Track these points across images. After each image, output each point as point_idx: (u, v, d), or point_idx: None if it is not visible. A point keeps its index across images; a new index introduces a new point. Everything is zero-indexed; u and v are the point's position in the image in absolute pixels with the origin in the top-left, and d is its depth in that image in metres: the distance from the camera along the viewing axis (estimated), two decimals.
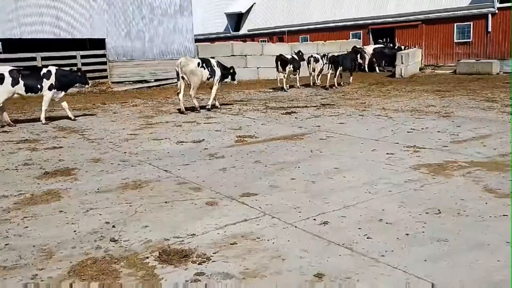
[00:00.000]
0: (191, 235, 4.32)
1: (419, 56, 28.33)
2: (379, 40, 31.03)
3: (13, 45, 20.94)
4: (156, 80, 23.59)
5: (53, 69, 11.95)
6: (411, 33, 29.95)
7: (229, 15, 42.41)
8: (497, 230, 4.21)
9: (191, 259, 3.81)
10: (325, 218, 4.64)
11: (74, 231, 4.52)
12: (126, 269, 3.68)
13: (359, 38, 32.20)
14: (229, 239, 4.19)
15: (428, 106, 12.71)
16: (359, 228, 4.35)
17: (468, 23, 27.31)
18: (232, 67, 14.53)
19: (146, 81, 23.51)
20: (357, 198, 5.24)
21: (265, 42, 32.75)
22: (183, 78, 12.96)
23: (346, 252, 3.86)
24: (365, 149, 7.78)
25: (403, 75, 24.30)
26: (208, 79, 13.30)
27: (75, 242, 4.25)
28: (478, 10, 26.75)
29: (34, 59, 20.40)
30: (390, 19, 30.88)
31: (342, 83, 20.38)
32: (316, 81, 21.39)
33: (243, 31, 41.44)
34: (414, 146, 7.83)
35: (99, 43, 22.77)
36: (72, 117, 12.35)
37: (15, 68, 11.66)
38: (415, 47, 29.14)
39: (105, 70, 22.57)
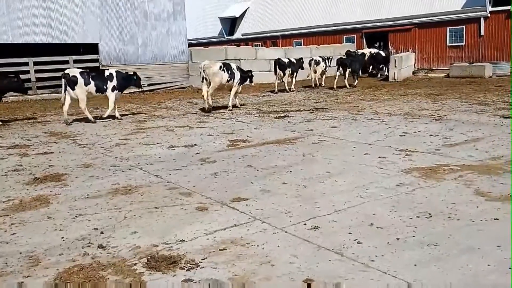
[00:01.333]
0: (180, 241, 4.27)
1: (412, 60, 28.42)
2: (375, 44, 31.11)
3: (4, 50, 20.83)
4: (149, 85, 23.52)
5: (114, 72, 13.09)
6: (404, 37, 30.05)
7: (223, 20, 42.44)
8: (488, 234, 4.19)
9: (179, 265, 3.77)
10: (316, 222, 4.61)
11: (62, 237, 4.46)
12: (113, 275, 3.63)
13: (353, 42, 32.31)
14: (219, 245, 4.15)
15: (420, 110, 12.73)
16: (350, 233, 4.33)
17: (461, 26, 27.43)
18: (249, 71, 15.66)
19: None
20: (348, 202, 5.22)
21: (259, 46, 32.76)
22: (206, 79, 13.97)
23: (336, 257, 3.83)
24: (357, 153, 7.76)
25: (396, 78, 24.36)
26: (228, 81, 14.40)
27: (62, 248, 4.19)
28: (471, 13, 26.88)
29: (26, 64, 20.32)
30: (384, 23, 30.98)
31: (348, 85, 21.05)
32: (322, 83, 22.76)
33: (237, 35, 41.48)
34: (406, 149, 7.82)
35: (92, 48, 22.70)
36: (92, 119, 12.81)
37: (84, 70, 12.80)
38: (408, 51, 29.25)
39: None
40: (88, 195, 5.85)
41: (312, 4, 35.97)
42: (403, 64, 25.41)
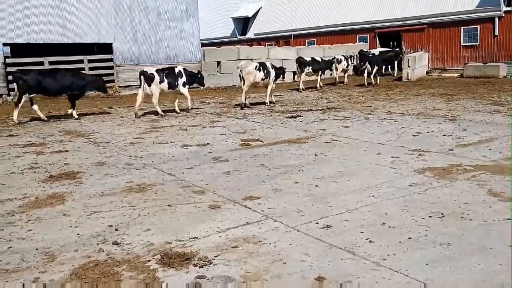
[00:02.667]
0: (193, 238, 4.32)
1: (425, 60, 28.22)
2: (390, 44, 30.97)
3: (21, 49, 21.13)
4: None
5: (182, 70, 14.11)
6: (418, 36, 29.85)
7: (236, 20, 42.52)
8: (500, 234, 4.18)
9: (192, 262, 3.82)
10: (328, 221, 4.63)
11: (77, 234, 4.54)
12: (128, 272, 3.69)
13: (366, 42, 32.17)
14: (231, 243, 4.19)
15: (434, 110, 12.66)
16: (362, 232, 4.34)
17: (475, 26, 27.17)
18: (281, 67, 16.52)
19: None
20: (360, 202, 5.23)
21: (272, 46, 32.78)
22: (243, 78, 14.87)
23: (348, 256, 3.85)
24: (370, 152, 7.76)
25: (409, 78, 24.22)
26: (263, 79, 15.15)
27: (77, 245, 4.27)
28: (485, 13, 26.61)
29: (42, 63, 20.56)
30: (397, 23, 30.80)
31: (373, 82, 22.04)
32: (344, 81, 23.96)
33: (250, 35, 41.52)
34: (419, 149, 7.80)
35: (106, 48, 22.92)
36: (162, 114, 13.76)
37: (159, 68, 13.93)
38: (421, 50, 29.05)
39: (112, 74, 22.70)
40: (102, 192, 5.93)
41: (325, 4, 35.88)
42: (417, 64, 25.26)
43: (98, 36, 22.35)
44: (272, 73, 15.38)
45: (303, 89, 20.96)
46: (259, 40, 39.56)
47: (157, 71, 13.53)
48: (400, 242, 4.09)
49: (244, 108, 14.78)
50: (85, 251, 4.12)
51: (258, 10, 41.56)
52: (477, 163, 6.73)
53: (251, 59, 26.20)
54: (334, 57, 23.64)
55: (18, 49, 22.27)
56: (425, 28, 29.37)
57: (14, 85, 13.41)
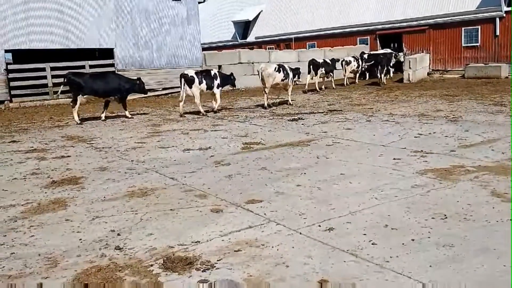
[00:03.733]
0: (196, 242, 4.32)
1: (427, 61, 28.21)
2: (392, 46, 30.96)
3: (23, 55, 21.19)
4: (164, 89, 23.73)
5: (217, 72, 15.02)
6: (419, 38, 29.84)
7: (237, 23, 42.58)
8: (503, 235, 4.16)
9: (195, 266, 3.81)
10: (330, 224, 4.62)
11: (80, 239, 4.54)
12: (130, 276, 3.69)
13: (366, 44, 32.18)
14: (234, 246, 4.18)
15: (436, 111, 12.65)
16: (364, 234, 4.33)
17: (476, 27, 27.16)
18: (297, 68, 17.24)
19: (154, 90, 23.61)
20: (363, 204, 5.22)
21: (273, 49, 32.82)
22: (263, 80, 15.59)
23: (351, 258, 3.84)
24: (372, 154, 7.75)
25: (411, 80, 24.21)
26: (282, 80, 15.85)
27: (80, 250, 4.27)
28: (486, 14, 26.60)
29: (43, 69, 20.63)
30: (397, 24, 30.80)
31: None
32: (355, 81, 25.19)
33: (251, 38, 41.57)
34: (421, 151, 7.78)
35: (108, 53, 22.98)
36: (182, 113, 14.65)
37: (198, 71, 14.86)
38: (423, 52, 29.05)
39: None
40: (105, 197, 5.94)
41: (326, 6, 35.92)
42: (418, 65, 25.25)
43: (99, 42, 22.41)
44: (291, 74, 16.18)
45: (320, 89, 22.08)
46: (260, 44, 39.60)
47: (196, 73, 14.45)
48: (403, 244, 4.08)
49: (267, 108, 15.53)
50: (88, 256, 4.12)
51: (259, 14, 41.61)
52: (480, 164, 6.71)
53: (252, 63, 26.29)
54: (343, 59, 24.68)
55: (19, 56, 22.35)
56: (426, 29, 29.37)
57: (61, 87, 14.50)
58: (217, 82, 14.69)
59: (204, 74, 14.62)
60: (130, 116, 14.68)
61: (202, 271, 3.72)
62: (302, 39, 36.65)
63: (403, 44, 30.50)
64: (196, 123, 12.86)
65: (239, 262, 3.85)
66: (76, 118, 13.70)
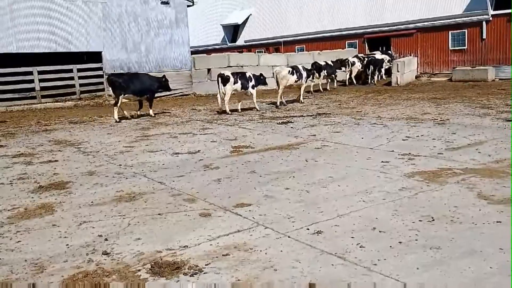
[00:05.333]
0: (184, 246, 4.30)
1: (414, 64, 28.44)
2: (380, 49, 31.17)
3: (9, 59, 20.99)
4: None
5: (251, 74, 16.12)
6: (407, 41, 30.08)
7: (226, 27, 42.60)
8: (490, 237, 4.20)
9: (183, 271, 3.80)
10: (319, 227, 4.63)
11: (67, 244, 4.50)
12: (117, 282, 3.66)
13: (355, 47, 32.34)
14: (222, 250, 4.17)
15: (423, 114, 12.74)
16: (352, 237, 4.34)
17: (463, 30, 27.44)
18: (312, 68, 19.51)
19: None
20: (351, 207, 5.24)
21: (262, 52, 32.86)
22: (278, 82, 17.02)
23: (339, 262, 3.85)
24: (360, 157, 7.78)
25: (399, 83, 24.38)
26: (296, 81, 17.40)
27: (67, 255, 4.23)
28: (473, 17, 26.88)
29: (31, 73, 20.46)
30: (386, 28, 31.02)
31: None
32: (354, 81, 26.38)
33: (240, 42, 41.60)
34: (409, 154, 7.83)
35: (96, 56, 22.85)
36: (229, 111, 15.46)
37: (234, 72, 15.95)
38: (410, 55, 29.27)
39: (101, 83, 22.62)
40: (92, 202, 5.89)
41: (314, 10, 36.07)
42: (406, 68, 25.44)
43: (87, 45, 22.29)
44: (304, 74, 17.68)
45: (324, 90, 23.11)
46: (249, 47, 39.65)
47: (232, 73, 15.46)
48: (390, 246, 4.09)
49: (280, 106, 16.79)
50: (75, 262, 4.08)
51: (248, 17, 41.67)
52: (467, 167, 6.77)
53: (241, 66, 26.29)
54: (347, 59, 25.89)
55: (6, 59, 22.13)
56: (414, 33, 29.61)
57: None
58: (252, 83, 15.79)
59: (240, 75, 15.69)
60: (153, 115, 15.47)
61: (190, 276, 3.70)
62: (291, 43, 36.77)
63: (391, 48, 30.72)
64: (185, 126, 12.83)
65: (227, 267, 3.84)
66: (116, 116, 14.59)
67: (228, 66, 25.85)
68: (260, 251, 4.13)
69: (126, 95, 14.89)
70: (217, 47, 42.62)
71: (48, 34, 21.22)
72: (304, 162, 7.62)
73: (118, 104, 14.69)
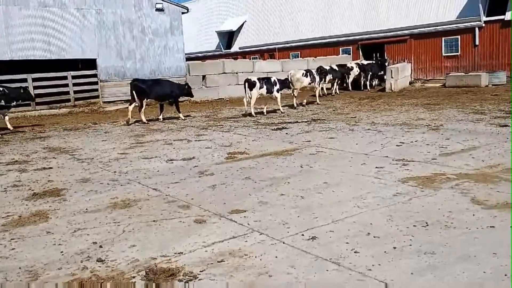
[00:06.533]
0: (179, 253, 4.30)
1: (408, 70, 28.60)
2: (374, 55, 31.31)
3: (4, 66, 20.95)
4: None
5: (276, 78, 16.83)
6: (400, 47, 30.26)
7: (220, 34, 42.73)
8: (484, 241, 4.22)
9: (177, 277, 3.79)
10: (314, 233, 4.64)
11: (61, 252, 4.49)
12: None
13: (349, 54, 32.51)
14: (217, 257, 4.17)
15: (417, 120, 12.80)
16: (347, 243, 4.35)
17: (456, 37, 27.64)
18: (325, 72, 21.29)
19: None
20: (345, 212, 5.25)
21: (256, 59, 32.96)
22: (292, 84, 18.08)
23: (334, 267, 3.85)
24: (355, 163, 7.80)
25: (393, 89, 24.49)
26: (309, 83, 18.71)
27: (61, 263, 4.22)
28: (465, 24, 27.10)
29: (25, 80, 20.41)
30: (380, 35, 31.21)
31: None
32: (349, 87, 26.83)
33: (235, 48, 41.73)
34: (403, 159, 7.87)
35: (91, 63, 22.85)
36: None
37: (260, 77, 16.72)
38: (404, 61, 29.43)
39: (96, 90, 22.62)
40: (87, 209, 5.88)
41: (309, 16, 36.25)
42: (400, 74, 25.57)
43: (82, 52, 22.29)
44: (317, 78, 19.05)
45: (324, 95, 23.50)
46: (244, 54, 39.77)
47: (258, 79, 16.31)
48: (385, 252, 4.11)
49: (296, 108, 17.91)
50: (69, 269, 4.07)
51: (242, 24, 41.83)
52: (460, 172, 6.80)
53: (236, 73, 26.36)
54: (348, 64, 26.45)
55: (1, 67, 22.08)
56: (407, 39, 29.80)
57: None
58: (276, 87, 16.60)
59: (265, 80, 16.54)
60: (183, 117, 16.21)
61: (185, 282, 3.70)
62: (285, 49, 36.92)
63: (385, 54, 30.88)
64: (179, 133, 12.83)
65: (222, 273, 3.84)
66: (144, 119, 15.57)
67: (223, 73, 25.92)
68: (255, 257, 4.14)
69: (149, 100, 15.74)
70: (211, 53, 42.74)
71: (42, 41, 21.22)
72: (299, 168, 7.64)
73: (143, 108, 15.57)
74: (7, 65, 22.51)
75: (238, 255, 4.20)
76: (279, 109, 17.10)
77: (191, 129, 13.57)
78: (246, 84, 16.19)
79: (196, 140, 11.33)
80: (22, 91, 15.40)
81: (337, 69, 24.73)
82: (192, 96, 17.80)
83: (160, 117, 16.36)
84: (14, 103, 15.30)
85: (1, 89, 14.59)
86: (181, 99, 17.57)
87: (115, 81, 23.06)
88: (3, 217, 5.70)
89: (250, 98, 16.06)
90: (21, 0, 20.61)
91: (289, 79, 17.89)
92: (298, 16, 37.18)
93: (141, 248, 4.48)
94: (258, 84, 16.06)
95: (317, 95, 19.95)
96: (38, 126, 16.37)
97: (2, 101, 14.56)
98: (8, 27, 20.39)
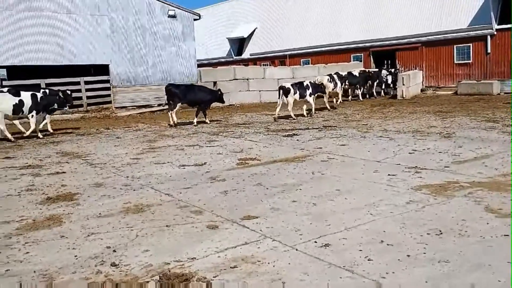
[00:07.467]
0: (192, 258, 4.31)
1: (420, 78, 28.50)
2: (385, 63, 31.22)
3: (17, 72, 21.22)
4: (159, 105, 23.78)
5: (309, 83, 17.52)
6: (412, 55, 30.18)
7: (232, 40, 42.92)
8: (498, 250, 4.19)
9: (191, 282, 3.80)
10: (326, 240, 4.63)
11: (75, 256, 4.52)
12: None
13: (360, 61, 32.45)
14: (230, 263, 4.18)
15: (429, 127, 12.75)
16: (360, 250, 4.34)
17: (468, 44, 27.52)
18: (345, 77, 22.48)
19: (149, 106, 23.70)
20: (358, 220, 5.24)
21: (267, 65, 33.04)
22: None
23: (347, 274, 3.85)
24: (367, 170, 7.78)
25: (404, 96, 24.41)
26: (333, 89, 20.95)
27: (75, 267, 4.25)
28: (477, 31, 26.98)
29: (38, 85, 20.63)
30: (391, 42, 31.15)
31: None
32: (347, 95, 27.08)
33: (246, 55, 41.87)
34: (416, 167, 7.83)
35: (103, 69, 23.06)
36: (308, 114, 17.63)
37: (293, 83, 17.23)
38: (415, 69, 29.33)
39: (108, 95, 22.80)
40: (100, 214, 5.92)
41: (320, 23, 36.30)
42: (411, 82, 25.49)
43: (94, 58, 22.51)
44: (338, 83, 20.83)
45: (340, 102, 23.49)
46: (255, 60, 39.89)
47: (291, 85, 16.90)
48: (399, 259, 4.09)
49: (331, 110, 19.16)
50: (83, 273, 4.10)
51: (254, 31, 41.98)
52: (474, 180, 6.76)
53: (247, 79, 26.44)
54: (368, 71, 26.52)
55: (13, 72, 22.37)
56: (419, 47, 29.71)
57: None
58: (309, 91, 17.21)
59: (298, 85, 17.10)
60: (208, 121, 16.78)
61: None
62: (296, 56, 36.97)
63: (396, 61, 30.81)
64: (191, 139, 12.88)
65: (235, 279, 3.84)
66: (175, 119, 16.26)
67: (234, 79, 26.01)
68: (268, 263, 4.14)
69: (182, 104, 16.39)
70: (223, 60, 42.91)
71: (55, 47, 21.47)
72: (310, 175, 7.63)
73: (174, 110, 16.30)
74: (21, 71, 22.80)
75: (251, 261, 4.20)
76: (310, 112, 17.74)
77: (202, 135, 13.62)
78: (281, 91, 16.75)
79: (207, 146, 11.37)
80: (61, 95, 15.36)
81: (357, 75, 24.99)
82: (223, 102, 17.94)
83: (195, 121, 16.54)
84: (67, 107, 16.04)
85: (58, 92, 15.14)
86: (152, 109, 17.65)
87: (127, 86, 23.25)
88: (17, 221, 5.76)
89: (286, 104, 16.66)
90: (34, 6, 20.88)
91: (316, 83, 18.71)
92: (309, 23, 37.24)
93: (155, 252, 4.51)
94: (292, 91, 16.64)
95: (339, 98, 21.54)
96: (74, 129, 16.92)
97: (56, 104, 14.90)
98: (21, 32, 20.63)
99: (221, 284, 3.75)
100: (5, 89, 14.51)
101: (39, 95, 14.30)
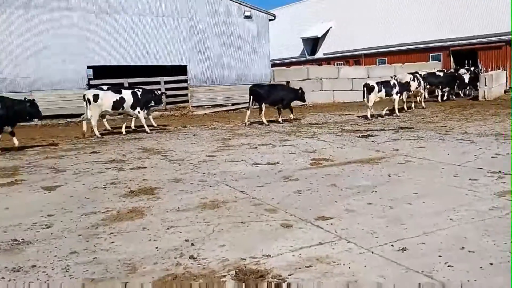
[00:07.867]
0: (267, 255, 4.38)
1: (503, 78, 26.94)
2: (466, 63, 29.82)
3: (102, 71, 22.45)
4: (233, 104, 24.23)
5: (395, 81, 17.68)
6: (495, 54, 28.57)
7: (305, 40, 42.79)
8: None
9: (266, 279, 3.87)
10: (404, 244, 4.53)
11: (156, 247, 4.74)
12: (204, 286, 3.80)
13: (439, 60, 31.16)
14: (304, 262, 4.21)
15: None
16: (440, 256, 4.21)
17: None
18: (406, 83, 19.81)
19: (224, 105, 24.21)
20: (437, 224, 5.08)
21: (341, 65, 32.61)
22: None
23: (426, 280, 3.75)
24: (446, 174, 7.51)
25: (486, 97, 23.22)
26: (416, 88, 19.66)
27: (157, 258, 4.45)
28: None
29: (122, 84, 21.71)
30: (472, 41, 29.68)
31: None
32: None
33: (319, 55, 41.59)
34: (499, 172, 7.44)
35: (181, 69, 23.85)
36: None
37: (378, 81, 17.31)
38: (499, 69, 27.76)
39: (186, 94, 23.56)
40: (178, 208, 6.16)
41: (397, 22, 35.31)
42: (494, 82, 24.18)
43: (173, 58, 23.33)
44: (422, 82, 19.99)
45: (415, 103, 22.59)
46: (328, 60, 39.50)
47: (376, 83, 16.94)
48: (481, 267, 3.93)
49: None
50: (164, 264, 4.29)
51: (328, 30, 41.61)
52: None
53: (320, 79, 26.29)
54: (457, 71, 25.24)
55: (98, 71, 23.66)
56: (503, 46, 28.08)
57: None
58: (396, 90, 17.24)
59: (384, 83, 17.11)
60: (293, 117, 17.36)
61: (274, 285, 3.77)
62: (372, 55, 36.18)
63: (478, 61, 29.32)
64: (264, 138, 13.02)
65: (311, 278, 3.86)
66: (265, 120, 16.48)
67: (307, 79, 25.95)
68: (343, 264, 4.12)
69: (266, 104, 16.57)
70: (296, 59, 42.87)
71: (136, 48, 22.47)
72: (386, 177, 7.48)
73: (262, 111, 16.46)
74: (105, 70, 24.07)
75: (326, 261, 4.20)
76: (395, 112, 17.60)
77: (274, 134, 13.72)
78: (365, 88, 16.76)
79: (280, 145, 11.44)
80: (154, 94, 16.24)
81: (441, 75, 23.84)
82: (304, 101, 18.18)
83: (280, 119, 17.01)
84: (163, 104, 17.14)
85: (153, 91, 16.35)
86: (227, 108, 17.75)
87: (203, 86, 23.91)
88: (103, 212, 6.12)
89: (368, 101, 16.66)
90: (119, 8, 21.97)
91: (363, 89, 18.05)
92: (386, 21, 36.32)
93: (230, 248, 4.62)
94: (376, 88, 16.58)
95: (422, 100, 20.65)
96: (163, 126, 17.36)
97: (152, 101, 15.88)
98: (107, 33, 21.79)
99: (297, 282, 3.79)
100: (105, 87, 16.03)
101: (139, 93, 15.39)
